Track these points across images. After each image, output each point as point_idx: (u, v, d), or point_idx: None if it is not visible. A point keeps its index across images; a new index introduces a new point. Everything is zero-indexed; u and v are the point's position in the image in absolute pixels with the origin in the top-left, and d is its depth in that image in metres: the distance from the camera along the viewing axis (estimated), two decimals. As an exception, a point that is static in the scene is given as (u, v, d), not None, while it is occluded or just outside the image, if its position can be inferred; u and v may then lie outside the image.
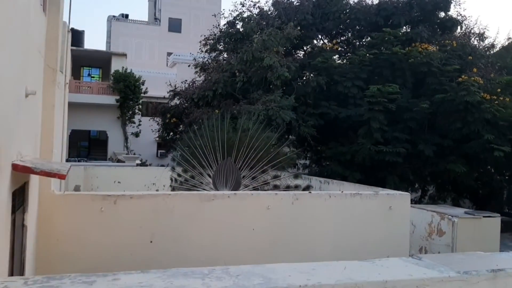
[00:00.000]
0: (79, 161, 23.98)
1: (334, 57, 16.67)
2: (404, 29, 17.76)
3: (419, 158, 15.20)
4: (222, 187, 8.29)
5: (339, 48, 17.95)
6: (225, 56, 16.86)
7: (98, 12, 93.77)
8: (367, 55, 15.58)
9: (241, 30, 16.19)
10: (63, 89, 7.68)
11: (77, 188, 11.82)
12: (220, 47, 17.21)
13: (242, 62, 14.26)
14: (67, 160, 25.55)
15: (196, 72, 17.42)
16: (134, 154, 27.45)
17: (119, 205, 5.61)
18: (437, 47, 16.42)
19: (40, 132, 5.17)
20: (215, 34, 17.29)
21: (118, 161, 24.26)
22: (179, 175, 9.02)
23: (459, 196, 17.54)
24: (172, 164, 9.30)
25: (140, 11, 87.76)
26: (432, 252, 9.01)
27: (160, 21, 43.21)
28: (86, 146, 34.30)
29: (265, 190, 8.70)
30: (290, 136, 16.38)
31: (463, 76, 14.58)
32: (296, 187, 8.77)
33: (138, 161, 22.13)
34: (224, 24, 17.45)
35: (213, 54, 17.40)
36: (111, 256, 5.51)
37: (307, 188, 8.97)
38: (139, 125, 28.66)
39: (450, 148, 15.04)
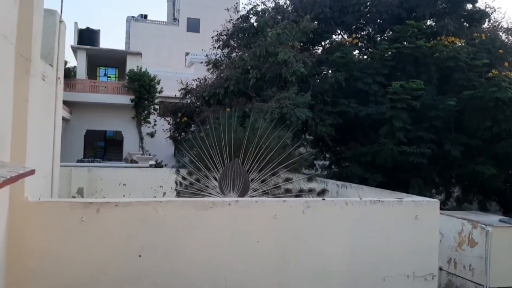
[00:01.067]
0: (92, 161, 23.59)
1: (354, 52, 15.76)
2: (428, 22, 16.72)
3: (445, 159, 14.19)
4: (229, 191, 7.55)
5: (359, 44, 17.04)
6: (238, 52, 16.11)
7: (117, 13, 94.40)
8: (389, 49, 14.61)
9: (255, 24, 15.43)
10: (53, 84, 7.02)
11: (80, 191, 11.24)
12: (233, 43, 16.47)
13: (255, 57, 13.48)
14: (80, 161, 25.25)
15: (208, 69, 16.75)
16: (149, 154, 26.99)
17: (102, 214, 4.89)
18: (465, 41, 15.36)
19: (10, 132, 4.48)
20: (228, 30, 16.57)
21: (132, 161, 23.79)
22: (184, 178, 8.31)
23: (486, 199, 16.49)
24: (177, 166, 8.57)
25: (159, 12, 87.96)
26: (462, 265, 8.10)
27: (178, 21, 43.11)
28: (102, 147, 34.09)
29: (276, 194, 7.98)
30: (306, 136, 15.57)
31: (493, 71, 13.52)
32: (310, 191, 7.97)
33: (151, 162, 21.58)
34: (238, 19, 16.69)
35: (226, 51, 16.69)
36: (93, 273, 4.81)
37: (322, 192, 8.16)
38: (155, 125, 28.19)
39: (479, 149, 13.99)
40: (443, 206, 15.22)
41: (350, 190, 8.18)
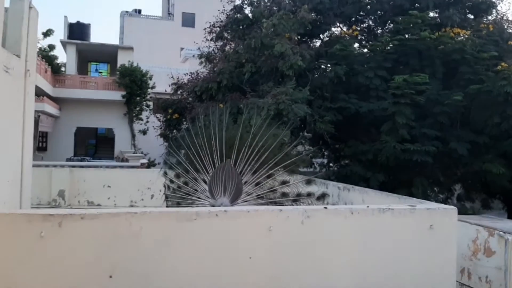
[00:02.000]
0: (81, 160, 22.78)
1: (354, 45, 15.00)
2: (431, 14, 15.96)
3: (450, 157, 13.48)
4: (220, 196, 6.76)
5: (359, 36, 16.27)
6: (232, 45, 15.29)
7: (111, 8, 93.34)
8: (391, 41, 13.85)
9: (249, 15, 14.63)
10: (21, 77, 6.22)
11: (61, 194, 10.47)
12: (226, 35, 15.66)
13: (250, 50, 12.70)
14: (70, 159, 24.42)
15: (200, 63, 15.94)
16: (142, 152, 26.19)
17: (66, 229, 4.12)
18: (471, 32, 14.62)
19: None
20: (221, 21, 15.76)
21: (123, 160, 22.99)
22: (171, 181, 7.50)
23: (489, 197, 15.86)
24: (164, 168, 7.75)
25: (153, 6, 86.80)
26: (478, 276, 7.35)
27: (173, 16, 42.26)
28: (94, 144, 33.24)
29: (272, 199, 7.16)
30: (304, 134, 14.82)
31: (502, 64, 12.79)
32: (309, 195, 7.12)
33: (143, 161, 20.77)
34: (231, 9, 15.87)
35: (220, 43, 15.88)
36: (54, 298, 4.04)
37: (323, 196, 7.31)
38: (147, 122, 27.37)
39: (486, 146, 13.28)
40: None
41: (353, 194, 7.43)
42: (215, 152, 7.02)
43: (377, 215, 4.93)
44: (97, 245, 4.22)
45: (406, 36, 14.35)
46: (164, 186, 7.85)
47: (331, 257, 4.79)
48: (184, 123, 14.77)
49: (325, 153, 16.76)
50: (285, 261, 4.67)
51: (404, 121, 12.51)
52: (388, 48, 14.38)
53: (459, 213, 5.76)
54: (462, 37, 14.43)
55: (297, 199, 7.08)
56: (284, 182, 7.19)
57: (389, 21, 16.47)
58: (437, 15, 16.07)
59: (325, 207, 4.81)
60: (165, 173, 7.71)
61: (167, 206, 7.51)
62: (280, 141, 7.50)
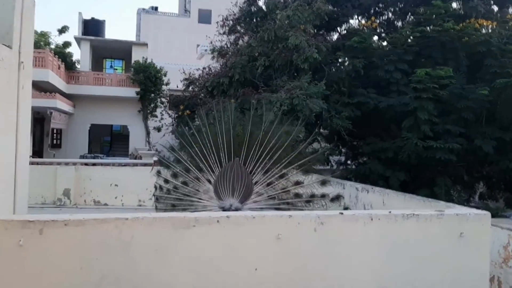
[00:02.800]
0: (94, 158, 22.54)
1: (373, 38, 14.32)
2: (454, 5, 15.19)
3: (475, 155, 12.75)
4: (228, 196, 6.26)
5: (378, 29, 15.57)
6: (245, 38, 14.75)
7: (127, 5, 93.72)
8: (413, 33, 13.14)
9: (263, 7, 14.08)
10: (14, 69, 5.79)
11: (66, 193, 10.11)
12: (240, 29, 15.13)
13: (263, 43, 12.15)
14: (84, 157, 24.23)
15: (213, 58, 15.45)
16: (156, 150, 25.87)
17: (48, 237, 3.67)
18: (497, 24, 13.82)
19: None
20: (234, 14, 15.23)
21: (136, 157, 22.71)
22: (166, 181, 7.02)
23: (513, 195, 15.09)
24: (158, 168, 7.33)
25: (170, 3, 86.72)
26: (509, 285, 6.71)
27: (190, 12, 42.06)
28: (109, 141, 33.13)
29: (284, 199, 6.67)
30: (320, 130, 14.24)
31: (531, 57, 12.02)
32: (323, 196, 6.61)
33: (156, 158, 20.40)
34: (244, 2, 15.31)
35: (232, 37, 15.36)
36: (34, 314, 3.59)
37: (337, 198, 6.76)
38: (162, 119, 27.02)
39: (514, 143, 12.52)
40: (467, 204, 13.89)
41: (373, 195, 6.84)
42: (221, 150, 6.53)
43: (400, 221, 4.36)
44: (83, 255, 3.75)
45: (428, 28, 13.64)
46: (156, 186, 7.37)
47: (347, 269, 4.24)
48: (196, 119, 14.31)
49: (342, 150, 16.14)
50: (295, 273, 4.14)
51: (426, 117, 11.83)
52: (409, 40, 13.67)
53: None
54: (488, 29, 13.66)
55: (311, 200, 6.60)
56: (297, 183, 6.71)
57: (410, 13, 15.75)
58: (460, 6, 15.30)
59: (341, 213, 4.25)
60: (159, 173, 7.24)
61: (156, 209, 7.06)
62: (294, 139, 7.01)
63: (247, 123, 6.94)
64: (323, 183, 6.71)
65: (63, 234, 3.72)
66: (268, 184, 6.66)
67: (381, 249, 4.32)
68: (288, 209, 6.44)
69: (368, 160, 13.51)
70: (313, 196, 6.64)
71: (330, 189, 6.82)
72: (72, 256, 3.74)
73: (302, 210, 6.41)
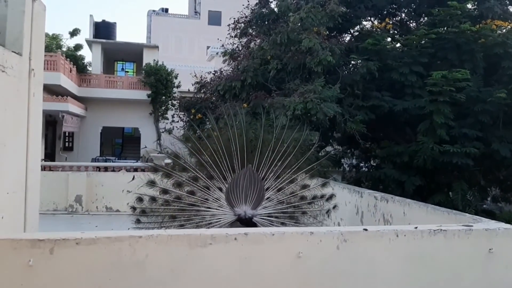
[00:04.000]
0: (105, 160, 22.50)
1: (387, 39, 14.06)
2: (469, 5, 14.86)
3: (492, 159, 12.44)
4: (241, 204, 6.14)
5: (391, 30, 15.30)
6: (257, 41, 14.57)
7: (138, 6, 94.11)
8: (428, 35, 12.85)
9: (275, 9, 13.88)
10: (24, 77, 5.66)
11: (78, 199, 10.00)
12: (251, 31, 14.94)
13: (276, 45, 11.93)
14: (96, 160, 24.23)
15: (224, 61, 15.28)
16: (167, 152, 25.79)
17: (58, 256, 3.52)
18: (514, 24, 13.49)
19: None
20: (246, 16, 15.05)
21: (148, 160, 22.59)
22: (165, 191, 6.69)
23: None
24: (151, 177, 6.74)
25: (180, 5, 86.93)
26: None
27: (199, 14, 42.12)
28: (120, 144, 33.16)
29: (291, 203, 6.70)
30: (334, 134, 14.03)
31: (550, 59, 11.68)
32: (322, 197, 6.90)
33: (167, 161, 20.29)
34: (256, 4, 15.12)
35: (244, 40, 15.18)
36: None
37: (330, 197, 7.07)
38: (173, 121, 26.96)
39: (532, 147, 12.18)
40: (480, 207, 13.59)
41: (392, 205, 6.62)
42: (234, 156, 6.39)
43: (427, 238, 4.15)
44: (96, 275, 3.60)
45: (443, 29, 13.35)
46: (141, 198, 6.84)
47: (371, 288, 4.04)
48: (207, 123, 14.18)
49: (355, 153, 15.90)
50: (316, 293, 3.95)
51: (442, 121, 11.54)
52: (424, 42, 13.38)
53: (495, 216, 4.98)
54: (504, 30, 13.34)
55: (312, 201, 6.80)
56: (304, 187, 6.81)
57: (424, 14, 15.46)
58: (476, 6, 14.97)
59: (365, 229, 4.05)
60: (152, 183, 6.74)
61: (135, 223, 6.70)
62: (306, 144, 7.02)
63: (259, 129, 6.86)
64: (324, 185, 7.04)
65: (74, 254, 3.56)
66: (279, 190, 6.65)
67: (407, 267, 4.12)
68: (293, 212, 6.69)
69: (383, 165, 13.24)
70: (315, 197, 6.82)
71: (328, 190, 7.15)
72: (84, 276, 3.59)
73: (305, 212, 6.79)
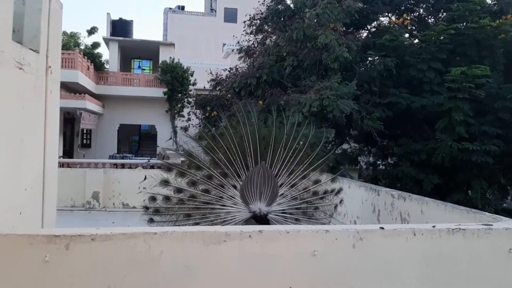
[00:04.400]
0: (122, 157, 22.70)
1: (405, 35, 13.86)
2: (489, 0, 14.58)
3: (512, 156, 12.23)
4: (255, 201, 6.17)
5: (409, 26, 15.08)
6: (273, 37, 14.49)
7: (155, 5, 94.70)
8: (446, 30, 12.63)
9: (291, 5, 13.78)
10: (41, 74, 5.72)
11: (95, 195, 10.10)
12: (267, 28, 14.87)
13: (292, 42, 11.86)
14: (113, 157, 24.46)
15: (240, 58, 15.24)
16: (183, 150, 25.89)
17: (74, 252, 3.53)
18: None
19: None
20: (261, 13, 14.98)
21: (164, 157, 22.72)
22: (179, 190, 6.69)
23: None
24: (165, 176, 6.77)
25: (196, 2, 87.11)
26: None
27: (215, 11, 42.17)
28: (137, 141, 33.42)
29: (304, 199, 6.77)
30: (350, 131, 13.91)
31: None
32: (332, 191, 7.04)
33: (183, 158, 20.37)
34: (271, 0, 15.04)
35: (260, 37, 15.12)
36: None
37: (339, 192, 7.24)
38: (189, 119, 27.06)
39: (554, 145, 11.93)
40: (500, 205, 13.34)
41: (410, 204, 6.52)
42: (248, 154, 6.42)
43: (445, 237, 4.07)
44: (111, 271, 3.61)
45: (462, 25, 13.12)
46: (154, 198, 6.88)
47: (389, 287, 3.97)
48: (222, 121, 14.17)
49: (372, 150, 15.74)
50: (332, 292, 3.90)
51: (461, 118, 11.34)
52: (442, 37, 13.16)
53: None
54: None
55: (324, 196, 6.93)
56: (316, 182, 6.91)
57: (442, 9, 15.20)
58: (495, 1, 14.68)
59: (382, 228, 3.99)
60: (166, 182, 6.77)
61: (148, 222, 6.71)
62: (320, 139, 7.11)
63: (271, 126, 6.89)
64: (333, 180, 7.25)
65: (90, 250, 3.57)
66: (292, 186, 6.73)
67: (424, 267, 4.04)
68: (306, 208, 6.82)
69: (400, 162, 13.07)
70: (326, 192, 6.97)
71: (337, 185, 7.39)
72: (100, 272, 3.60)
73: (317, 207, 6.95)
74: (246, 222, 6.15)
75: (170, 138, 27.31)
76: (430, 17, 16.03)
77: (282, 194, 6.50)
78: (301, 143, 6.77)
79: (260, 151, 6.48)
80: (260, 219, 6.07)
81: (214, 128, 7.97)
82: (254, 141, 6.49)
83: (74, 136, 26.50)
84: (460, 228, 4.14)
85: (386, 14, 15.53)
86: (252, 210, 6.16)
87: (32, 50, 5.45)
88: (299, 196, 6.75)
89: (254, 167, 6.37)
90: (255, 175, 6.24)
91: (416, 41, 14.42)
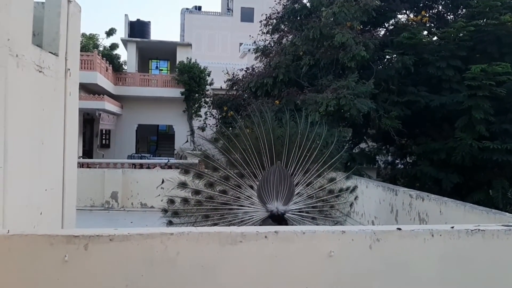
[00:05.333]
0: (141, 157, 22.92)
1: (423, 33, 13.69)
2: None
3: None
4: (272, 200, 6.20)
5: (428, 24, 14.88)
6: (289, 37, 14.45)
7: (171, 4, 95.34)
8: (466, 27, 12.43)
9: (307, 4, 13.73)
10: (60, 77, 5.82)
11: (114, 195, 10.23)
12: (283, 27, 14.84)
13: (308, 41, 11.82)
14: (131, 157, 24.72)
15: (256, 58, 15.25)
16: (201, 149, 26.03)
17: (92, 252, 3.58)
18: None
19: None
20: (278, 12, 14.96)
21: (181, 157, 22.90)
22: (197, 191, 6.74)
23: None
24: (182, 179, 6.75)
25: (213, 2, 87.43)
26: None
27: (232, 11, 42.27)
28: (155, 141, 33.72)
29: (320, 197, 6.81)
30: (367, 131, 13.79)
31: None
32: (347, 189, 7.08)
33: (200, 159, 20.47)
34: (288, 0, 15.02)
35: (276, 36, 15.10)
36: (79, 332, 3.51)
37: (354, 189, 7.24)
38: (206, 118, 27.20)
39: None
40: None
41: (428, 204, 6.44)
42: (263, 154, 6.46)
43: (464, 238, 4.00)
44: (128, 272, 3.64)
45: (482, 21, 12.90)
46: (172, 201, 6.88)
47: (405, 289, 3.94)
48: (239, 120, 14.20)
49: (390, 149, 15.59)
50: (349, 293, 3.88)
51: (482, 116, 11.16)
52: (462, 34, 12.96)
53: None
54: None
55: (339, 194, 6.95)
56: (331, 180, 6.93)
57: (462, 6, 14.97)
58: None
59: (399, 228, 3.95)
60: (184, 185, 6.77)
61: (168, 225, 6.73)
62: (335, 138, 7.13)
63: (285, 126, 6.92)
64: (347, 177, 7.28)
65: (108, 250, 3.61)
66: (308, 184, 6.77)
67: (442, 268, 3.98)
68: (322, 206, 6.90)
69: (419, 162, 12.92)
70: (341, 190, 6.97)
71: (352, 182, 7.49)
72: (117, 272, 3.64)
73: (333, 205, 7.01)
74: (264, 221, 6.18)
75: (187, 141, 27.48)
76: (449, 14, 15.80)
77: (298, 193, 6.52)
78: (317, 142, 6.80)
79: (276, 151, 6.51)
80: (278, 218, 6.10)
81: (230, 129, 7.99)
82: (269, 141, 6.52)
83: (93, 137, 26.87)
84: (479, 229, 4.06)
85: (404, 11, 15.36)
86: (270, 210, 6.19)
87: (51, 53, 5.55)
88: (315, 195, 6.77)
89: (270, 167, 6.38)
90: (271, 174, 6.26)
91: (435, 38, 14.23)
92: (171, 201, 6.88)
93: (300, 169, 6.65)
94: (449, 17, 15.65)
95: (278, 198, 6.20)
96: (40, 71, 5.08)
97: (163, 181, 7.75)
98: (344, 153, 7.58)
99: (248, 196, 6.43)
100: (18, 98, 4.24)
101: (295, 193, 6.43)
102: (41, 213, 5.18)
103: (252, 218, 6.30)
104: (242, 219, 6.36)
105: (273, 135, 6.60)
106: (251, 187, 6.50)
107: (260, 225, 6.10)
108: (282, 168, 6.32)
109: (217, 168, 6.73)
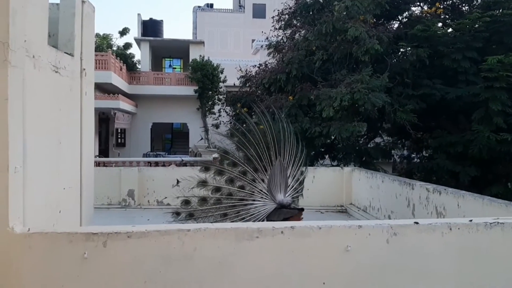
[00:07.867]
0: (156, 156, 23.08)
1: (438, 25, 13.50)
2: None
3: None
4: (280, 192, 6.47)
5: (442, 15, 14.67)
6: (302, 32, 14.37)
7: (184, 3, 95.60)
8: (481, 18, 12.23)
9: (320, -1, 13.66)
10: (76, 77, 5.89)
11: (130, 193, 10.32)
12: (296, 23, 14.77)
13: (321, 36, 11.75)
14: (146, 155, 24.92)
15: (269, 54, 15.22)
16: (215, 147, 26.11)
17: (111, 249, 3.63)
18: None
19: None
20: (290, 8, 14.90)
21: (196, 155, 23.01)
22: (218, 189, 6.67)
23: None
24: (202, 177, 6.68)
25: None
26: None
27: (244, 8, 42.23)
28: (170, 139, 33.92)
29: (294, 187, 6.98)
30: (383, 125, 13.68)
31: None
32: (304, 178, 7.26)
33: (215, 155, 20.55)
34: (300, -6, 14.94)
35: (288, 31, 15.05)
36: (99, 328, 3.57)
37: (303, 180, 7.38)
38: (219, 116, 27.25)
39: None
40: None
41: (446, 197, 6.37)
42: (272, 149, 6.65)
43: (483, 231, 3.96)
44: (147, 268, 3.68)
45: (498, 11, 12.68)
46: (189, 201, 6.73)
47: (424, 283, 3.91)
48: (253, 117, 14.21)
49: (406, 143, 15.45)
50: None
51: (499, 108, 10.98)
52: (477, 25, 12.76)
53: None
54: None
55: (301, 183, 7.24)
56: (302, 172, 7.24)
57: (477, -4, 14.74)
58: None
59: (416, 222, 3.92)
60: (204, 183, 6.66)
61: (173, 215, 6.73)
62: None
63: (265, 124, 6.89)
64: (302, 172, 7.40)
65: (126, 247, 3.66)
66: (294, 177, 6.99)
67: (461, 262, 3.95)
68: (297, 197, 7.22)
69: (435, 155, 12.77)
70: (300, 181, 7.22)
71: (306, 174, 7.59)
72: (136, 269, 3.68)
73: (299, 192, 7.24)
74: (274, 211, 6.38)
75: (202, 139, 27.60)
76: (464, 5, 15.55)
77: (290, 185, 6.79)
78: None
79: (278, 147, 6.69)
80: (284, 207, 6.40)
81: (244, 125, 8.02)
82: (271, 137, 6.68)
83: (109, 136, 27.15)
84: (498, 222, 4.02)
85: (418, 3, 15.17)
86: (278, 201, 6.43)
87: (67, 53, 5.61)
88: (295, 186, 7.00)
89: (275, 161, 6.57)
90: (277, 168, 6.53)
91: (450, 30, 14.02)
92: (186, 202, 6.78)
93: (291, 163, 6.89)
94: (464, 8, 15.40)
95: (280, 190, 6.47)
96: (56, 72, 5.15)
97: (177, 182, 7.72)
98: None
99: (260, 190, 6.52)
100: (36, 99, 4.30)
101: (288, 185, 6.71)
102: (60, 212, 5.25)
103: (266, 209, 6.45)
104: (257, 212, 6.42)
105: (273, 135, 6.74)
106: (263, 180, 6.59)
107: (269, 214, 6.36)
108: (281, 162, 6.56)
109: (236, 164, 6.75)
